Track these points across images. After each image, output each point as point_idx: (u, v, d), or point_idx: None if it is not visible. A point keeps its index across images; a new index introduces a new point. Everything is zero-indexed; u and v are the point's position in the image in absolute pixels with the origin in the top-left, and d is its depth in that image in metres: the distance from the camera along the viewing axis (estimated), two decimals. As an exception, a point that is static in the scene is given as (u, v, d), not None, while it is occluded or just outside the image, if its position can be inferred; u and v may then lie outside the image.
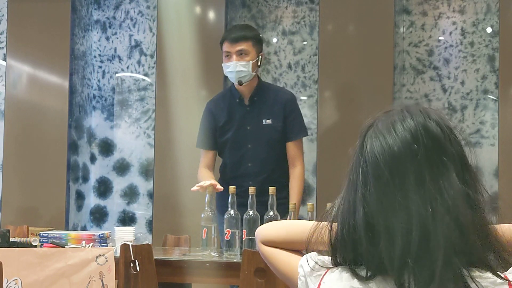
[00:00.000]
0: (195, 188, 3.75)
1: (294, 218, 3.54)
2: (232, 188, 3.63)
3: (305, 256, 1.41)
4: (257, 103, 4.05)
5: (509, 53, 4.87)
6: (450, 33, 5.22)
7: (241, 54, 3.97)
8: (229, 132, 4.08)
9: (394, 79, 5.10)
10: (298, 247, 1.50)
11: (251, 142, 4.05)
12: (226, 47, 4.01)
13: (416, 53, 5.27)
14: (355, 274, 1.30)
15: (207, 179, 3.83)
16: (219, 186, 3.76)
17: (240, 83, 3.99)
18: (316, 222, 1.41)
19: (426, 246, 1.24)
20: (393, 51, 5.08)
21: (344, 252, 1.33)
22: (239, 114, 4.06)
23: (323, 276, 1.34)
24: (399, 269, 1.25)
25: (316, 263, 1.36)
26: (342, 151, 4.62)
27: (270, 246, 1.53)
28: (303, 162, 4.07)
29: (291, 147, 4.05)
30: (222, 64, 4.05)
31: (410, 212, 1.25)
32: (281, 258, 1.51)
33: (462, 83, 5.18)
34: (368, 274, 1.29)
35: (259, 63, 4.03)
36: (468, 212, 1.26)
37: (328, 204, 1.54)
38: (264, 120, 4.03)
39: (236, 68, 3.95)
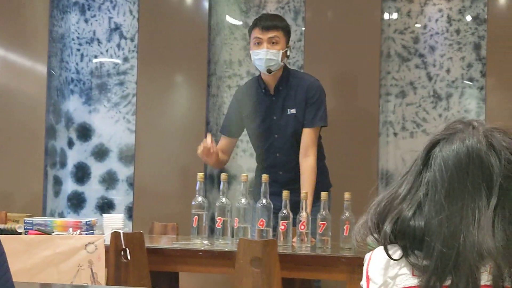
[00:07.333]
0: (200, 150, 3.82)
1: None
2: (224, 176, 3.58)
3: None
4: (282, 93, 3.96)
5: (495, 41, 4.85)
6: (436, 20, 5.17)
7: (272, 42, 3.88)
8: (255, 122, 4.01)
9: (380, 66, 5.05)
10: None
11: (278, 132, 3.97)
12: (256, 33, 3.90)
13: (402, 40, 5.22)
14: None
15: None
16: (211, 144, 3.80)
17: (269, 71, 3.89)
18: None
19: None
20: (380, 38, 5.04)
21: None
22: (265, 104, 3.98)
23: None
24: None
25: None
26: (324, 138, 4.45)
27: None
28: (316, 153, 3.90)
29: (305, 134, 3.90)
30: (251, 51, 3.94)
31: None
32: None
33: (448, 71, 5.14)
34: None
35: (287, 54, 3.95)
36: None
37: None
38: (288, 110, 3.94)
39: (266, 55, 3.85)
